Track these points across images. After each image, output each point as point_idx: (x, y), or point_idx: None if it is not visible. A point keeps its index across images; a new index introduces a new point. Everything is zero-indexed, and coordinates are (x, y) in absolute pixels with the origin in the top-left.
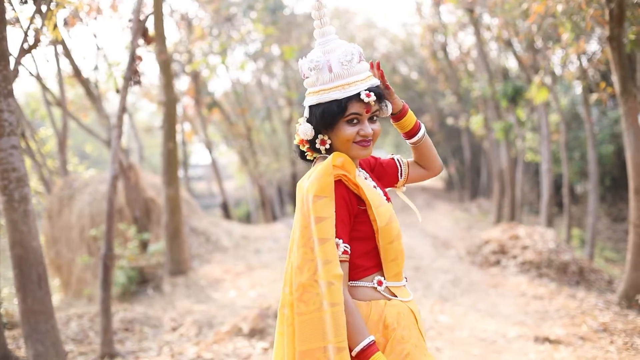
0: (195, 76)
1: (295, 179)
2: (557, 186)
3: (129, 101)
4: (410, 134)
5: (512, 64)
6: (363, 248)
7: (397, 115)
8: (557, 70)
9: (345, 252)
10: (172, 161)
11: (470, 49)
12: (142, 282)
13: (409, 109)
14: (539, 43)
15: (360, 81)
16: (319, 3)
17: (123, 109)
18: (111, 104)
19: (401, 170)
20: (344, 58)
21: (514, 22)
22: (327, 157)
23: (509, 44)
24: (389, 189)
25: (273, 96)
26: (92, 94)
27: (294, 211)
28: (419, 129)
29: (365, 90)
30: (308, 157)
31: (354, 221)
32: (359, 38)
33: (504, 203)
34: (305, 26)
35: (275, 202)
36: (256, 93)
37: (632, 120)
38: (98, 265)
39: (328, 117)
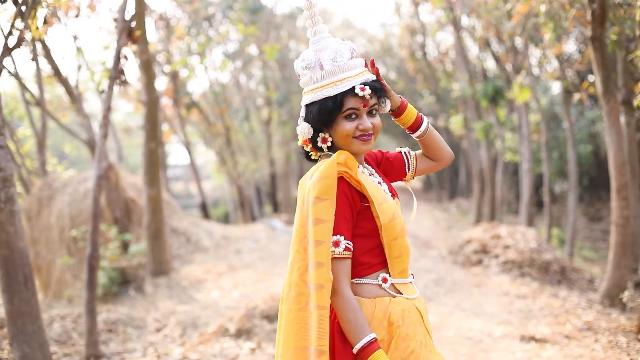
0: (174, 76)
1: (274, 179)
2: (535, 186)
3: None
4: (413, 128)
5: (491, 64)
6: (367, 245)
7: (397, 112)
8: (536, 71)
9: (347, 248)
10: (154, 161)
11: (448, 49)
12: (124, 282)
13: (409, 104)
14: (521, 44)
15: (352, 77)
16: (310, 3)
17: (109, 109)
18: (90, 104)
19: (408, 164)
20: (335, 55)
21: (497, 22)
22: (330, 154)
23: (487, 44)
24: (401, 183)
25: (251, 96)
26: (73, 94)
27: (273, 211)
28: (422, 122)
29: (360, 84)
30: (313, 157)
31: (358, 218)
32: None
33: (484, 203)
34: (284, 26)
35: (254, 203)
36: (234, 93)
37: (614, 120)
38: (78, 267)
39: (325, 113)
